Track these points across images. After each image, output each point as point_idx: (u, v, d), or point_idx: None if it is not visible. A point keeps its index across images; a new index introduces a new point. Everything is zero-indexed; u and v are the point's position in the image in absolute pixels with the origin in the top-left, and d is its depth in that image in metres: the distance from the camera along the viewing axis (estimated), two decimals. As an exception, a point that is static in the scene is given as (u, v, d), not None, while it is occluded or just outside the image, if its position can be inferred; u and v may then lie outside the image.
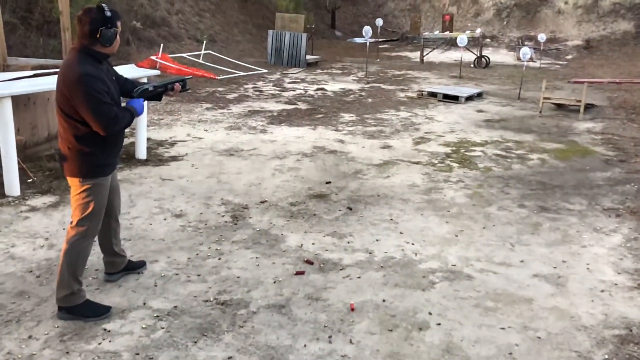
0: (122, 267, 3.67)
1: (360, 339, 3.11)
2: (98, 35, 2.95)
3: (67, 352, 2.90)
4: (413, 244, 4.37)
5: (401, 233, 4.57)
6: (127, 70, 6.41)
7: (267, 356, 2.93)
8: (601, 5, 22.17)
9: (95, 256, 3.75)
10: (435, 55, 19.05)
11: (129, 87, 3.31)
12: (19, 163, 5.11)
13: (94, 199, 3.15)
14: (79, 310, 3.18)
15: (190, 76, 4.16)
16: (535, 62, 17.22)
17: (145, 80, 6.32)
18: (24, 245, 4.09)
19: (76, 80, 2.92)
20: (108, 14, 2.95)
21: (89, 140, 3.04)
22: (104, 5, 2.98)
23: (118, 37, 3.07)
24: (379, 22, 18.56)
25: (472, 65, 16.62)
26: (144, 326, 3.16)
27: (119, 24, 3.05)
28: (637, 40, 20.20)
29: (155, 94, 3.39)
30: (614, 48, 19.93)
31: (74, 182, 3.14)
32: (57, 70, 3.58)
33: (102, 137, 3.06)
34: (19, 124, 5.75)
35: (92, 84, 2.92)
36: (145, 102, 3.38)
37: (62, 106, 3.02)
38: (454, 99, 10.83)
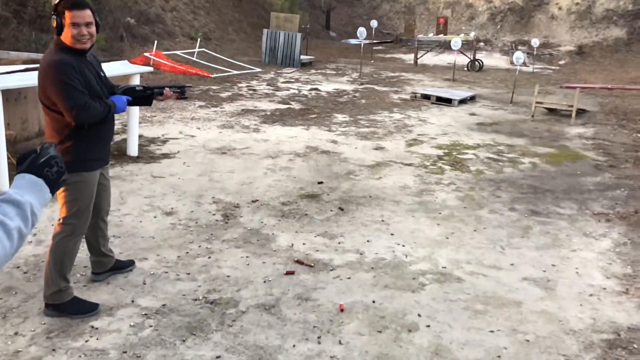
0: (109, 267, 3.62)
1: (349, 339, 3.11)
2: (54, 24, 2.95)
3: (54, 349, 2.88)
4: (404, 246, 4.37)
5: (392, 234, 4.57)
6: (119, 67, 6.38)
7: (255, 356, 2.92)
8: (594, 11, 22.33)
9: (84, 253, 3.71)
10: (429, 58, 19.09)
11: (114, 89, 3.26)
12: (8, 157, 5.06)
13: (79, 196, 3.10)
14: (67, 308, 3.15)
15: (190, 85, 4.10)
16: (528, 66, 17.30)
17: (137, 77, 6.28)
18: (12, 241, 4.05)
19: (48, 66, 2.93)
20: (56, 0, 2.95)
21: (70, 133, 3.01)
22: None
23: (73, 29, 2.90)
24: (374, 23, 18.56)
25: (466, 69, 16.67)
26: (132, 324, 3.14)
27: (70, 13, 2.88)
28: (628, 47, 20.36)
29: (144, 95, 3.33)
30: (605, 54, 20.07)
31: None
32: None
33: (84, 131, 3.01)
34: (9, 118, 5.69)
35: (63, 70, 2.90)
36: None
37: (42, 98, 3.02)
38: (447, 101, 10.86)
